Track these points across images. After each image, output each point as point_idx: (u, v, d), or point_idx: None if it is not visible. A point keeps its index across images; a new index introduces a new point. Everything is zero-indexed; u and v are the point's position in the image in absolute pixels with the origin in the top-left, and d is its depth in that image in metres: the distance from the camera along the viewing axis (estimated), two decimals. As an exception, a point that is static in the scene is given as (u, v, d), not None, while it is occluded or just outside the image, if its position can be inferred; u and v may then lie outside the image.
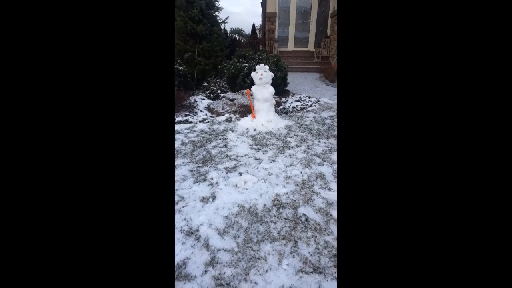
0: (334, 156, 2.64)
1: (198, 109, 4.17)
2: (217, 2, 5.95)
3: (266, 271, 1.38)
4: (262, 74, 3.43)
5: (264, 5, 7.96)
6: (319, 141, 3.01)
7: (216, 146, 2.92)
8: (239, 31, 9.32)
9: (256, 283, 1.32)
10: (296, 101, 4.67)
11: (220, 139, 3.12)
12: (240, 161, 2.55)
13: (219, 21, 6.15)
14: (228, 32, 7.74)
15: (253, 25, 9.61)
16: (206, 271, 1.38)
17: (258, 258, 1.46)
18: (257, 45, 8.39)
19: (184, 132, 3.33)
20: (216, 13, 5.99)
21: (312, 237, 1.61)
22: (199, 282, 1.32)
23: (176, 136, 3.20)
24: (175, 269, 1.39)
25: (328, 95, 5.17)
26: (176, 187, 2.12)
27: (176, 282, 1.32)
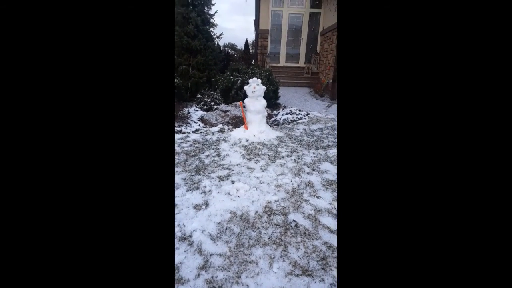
0: (322, 166, 2.76)
1: (192, 120, 4.26)
2: (212, 18, 6.21)
3: (257, 274, 1.43)
4: (255, 87, 3.59)
5: (257, 22, 8.34)
6: (308, 152, 3.13)
7: (209, 155, 2.99)
8: (232, 46, 9.63)
9: (247, 285, 1.37)
10: (287, 113, 4.85)
11: (213, 148, 3.19)
12: (232, 170, 2.62)
13: (214, 37, 6.39)
14: (222, 46, 8.00)
15: (246, 41, 9.98)
16: (199, 275, 1.42)
17: (250, 262, 1.51)
18: (249, 60, 8.69)
19: (178, 142, 3.39)
20: (211, 29, 6.23)
21: (302, 241, 1.68)
22: (192, 285, 1.36)
23: (170, 145, 3.25)
24: (168, 273, 1.42)
25: (318, 109, 5.39)
26: (169, 195, 2.16)
27: (169, 286, 1.35)
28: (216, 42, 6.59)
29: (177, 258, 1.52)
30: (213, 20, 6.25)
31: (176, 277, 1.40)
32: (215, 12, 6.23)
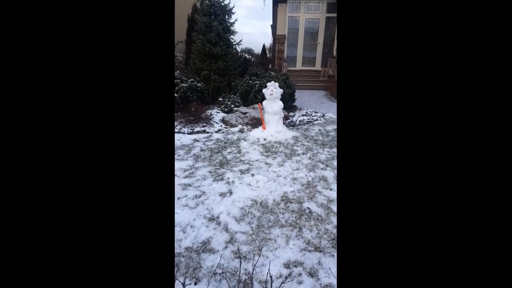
0: (336, 163, 2.94)
1: (214, 121, 4.60)
2: (233, 26, 6.60)
3: (276, 249, 1.68)
4: (273, 90, 3.86)
5: (274, 28, 8.64)
6: (323, 150, 3.33)
7: (231, 152, 3.29)
8: (249, 51, 9.99)
9: (267, 257, 1.62)
10: (303, 115, 5.05)
11: (234, 146, 3.49)
12: (252, 165, 2.89)
13: (234, 43, 6.77)
14: (239, 51, 8.37)
15: (263, 46, 10.33)
16: (226, 247, 1.69)
17: (269, 239, 1.76)
18: (267, 64, 9.00)
19: (202, 140, 3.73)
20: (231, 36, 6.62)
21: (315, 225, 1.90)
22: (221, 254, 1.63)
23: (196, 143, 3.59)
24: (201, 245, 1.71)
25: (333, 111, 5.53)
26: (198, 184, 2.47)
27: (202, 254, 1.63)
28: (234, 48, 6.96)
29: (208, 234, 1.81)
30: (233, 28, 6.63)
31: (208, 248, 1.69)
32: (235, 20, 6.62)
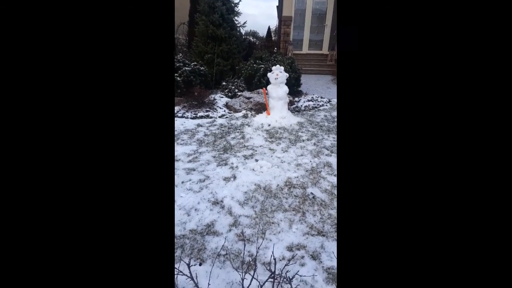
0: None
1: (218, 106, 4.55)
2: (237, 7, 6.34)
3: (279, 232, 1.70)
4: (278, 74, 3.75)
5: (280, 8, 8.29)
6: (328, 136, 3.28)
7: (234, 138, 3.27)
8: (253, 34, 9.67)
9: (270, 240, 1.64)
10: (309, 100, 4.95)
11: (238, 132, 3.46)
12: (256, 151, 2.88)
13: (238, 25, 6.54)
14: (243, 34, 8.09)
15: (269, 28, 9.98)
16: (230, 230, 1.72)
17: (272, 223, 1.78)
18: (272, 47, 8.73)
19: (206, 125, 3.71)
20: (236, 17, 6.38)
21: (318, 210, 1.91)
22: (225, 237, 1.66)
23: (199, 128, 3.58)
24: (205, 227, 1.73)
25: (340, 96, 5.40)
26: (202, 169, 2.48)
27: (206, 236, 1.66)
28: (239, 30, 6.74)
29: (212, 217, 1.83)
30: (237, 9, 6.37)
31: (212, 230, 1.71)
32: (240, 0, 6.34)
